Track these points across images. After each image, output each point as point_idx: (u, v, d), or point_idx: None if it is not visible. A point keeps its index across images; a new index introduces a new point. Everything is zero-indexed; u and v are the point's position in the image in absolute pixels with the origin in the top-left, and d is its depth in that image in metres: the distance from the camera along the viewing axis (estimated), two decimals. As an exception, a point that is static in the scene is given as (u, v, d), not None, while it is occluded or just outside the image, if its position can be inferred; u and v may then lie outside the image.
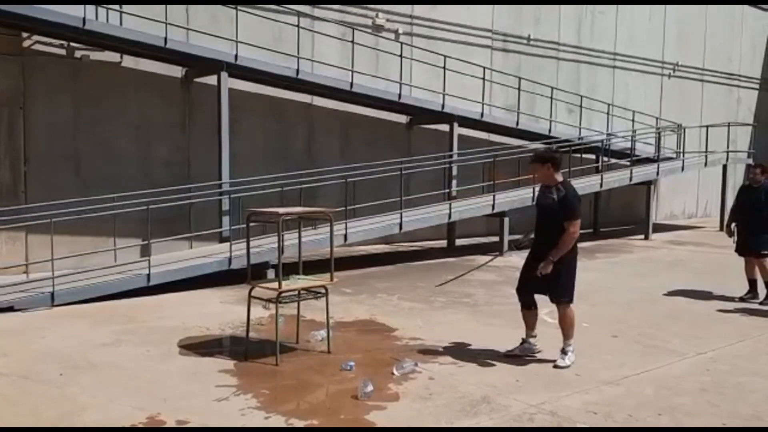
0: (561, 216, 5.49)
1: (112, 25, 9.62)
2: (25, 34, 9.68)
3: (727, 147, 17.95)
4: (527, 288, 5.82)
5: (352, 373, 5.31)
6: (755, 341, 6.58)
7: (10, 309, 7.29)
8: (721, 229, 15.30)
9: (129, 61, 10.50)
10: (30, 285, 8.00)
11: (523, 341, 5.91)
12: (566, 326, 5.71)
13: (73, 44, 10.02)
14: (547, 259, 5.46)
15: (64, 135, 10.07)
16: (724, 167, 17.81)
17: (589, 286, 9.35)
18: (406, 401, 4.75)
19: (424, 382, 5.15)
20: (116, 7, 9.80)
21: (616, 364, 5.66)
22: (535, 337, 5.92)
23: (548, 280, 5.52)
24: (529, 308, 5.90)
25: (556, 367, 5.54)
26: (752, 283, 8.57)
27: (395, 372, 5.30)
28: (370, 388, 4.78)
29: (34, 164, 9.83)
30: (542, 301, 6.86)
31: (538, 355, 5.86)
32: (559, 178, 5.64)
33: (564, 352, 5.67)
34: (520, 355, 5.81)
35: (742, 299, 8.46)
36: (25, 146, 9.77)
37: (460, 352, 5.96)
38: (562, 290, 5.61)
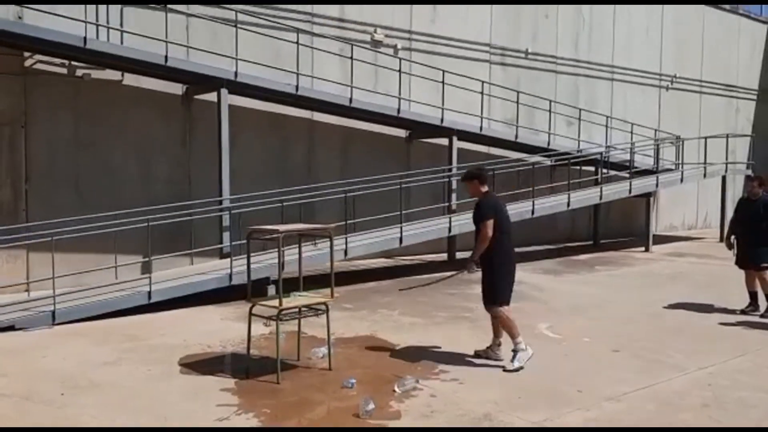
0: (478, 221, 6.09)
1: (112, 44, 9.70)
2: (26, 54, 9.74)
3: (726, 158, 18.00)
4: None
5: (353, 391, 5.31)
6: (756, 355, 6.57)
7: (11, 328, 7.28)
8: (721, 240, 15.32)
9: (130, 79, 10.56)
10: (31, 304, 8.01)
11: (488, 347, 6.27)
12: (505, 328, 6.08)
13: (74, 63, 10.09)
14: (468, 262, 6.07)
15: (65, 153, 10.12)
16: (724, 178, 17.84)
17: (590, 300, 9.37)
18: (408, 419, 4.74)
19: (426, 399, 5.15)
20: (117, 26, 9.88)
21: (617, 380, 5.65)
22: (499, 345, 6.22)
23: (483, 289, 6.09)
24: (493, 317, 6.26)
25: (505, 370, 5.85)
26: (753, 295, 8.57)
27: (397, 389, 5.29)
28: (371, 405, 4.78)
29: (35, 182, 9.87)
30: (541, 316, 6.87)
31: (541, 372, 5.85)
32: (484, 190, 6.20)
33: (514, 351, 5.97)
34: (483, 357, 6.20)
35: (743, 312, 8.46)
36: (26, 164, 9.81)
37: (461, 368, 5.96)
38: (487, 296, 6.08)
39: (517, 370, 5.83)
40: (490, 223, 5.95)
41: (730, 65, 21.45)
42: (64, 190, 10.05)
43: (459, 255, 13.52)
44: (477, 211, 6.12)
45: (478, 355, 6.27)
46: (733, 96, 21.69)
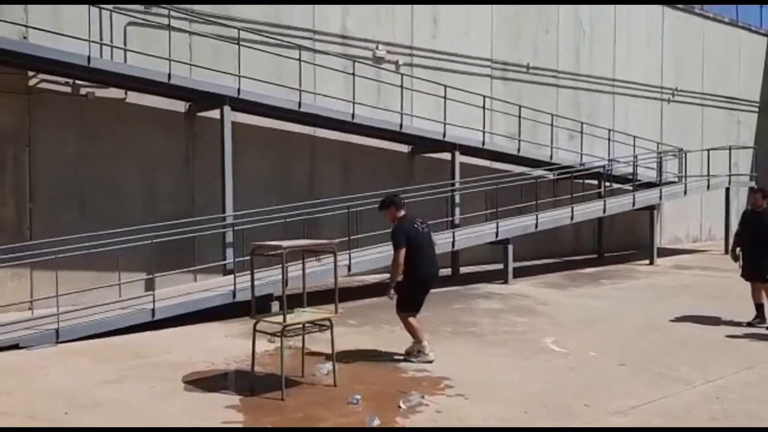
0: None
1: (116, 62, 9.77)
2: (31, 73, 9.81)
3: (729, 170, 18.00)
4: None
5: (358, 407, 5.28)
6: (764, 368, 6.51)
7: (15, 346, 7.26)
8: (726, 252, 15.32)
9: (133, 97, 10.62)
10: (35, 322, 7.98)
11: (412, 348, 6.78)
12: (412, 333, 6.70)
13: (78, 82, 10.15)
14: (387, 288, 6.65)
15: (69, 171, 10.15)
16: (727, 190, 17.82)
17: (595, 314, 9.32)
18: (414, 435, 4.71)
19: (432, 415, 5.11)
20: (120, 44, 9.95)
21: (624, 394, 5.61)
22: (425, 347, 6.72)
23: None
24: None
25: (405, 359, 6.62)
26: (759, 307, 8.51)
27: (402, 405, 5.26)
28: (376, 422, 4.75)
29: (40, 201, 9.89)
30: (547, 330, 6.85)
31: (547, 386, 5.81)
32: (400, 215, 6.75)
33: (419, 351, 6.63)
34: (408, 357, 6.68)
35: (749, 324, 8.40)
36: (30, 183, 9.84)
37: (467, 383, 5.92)
38: (399, 304, 6.69)
39: (410, 361, 6.55)
40: (402, 250, 6.47)
41: (731, 78, 21.50)
42: (68, 209, 10.07)
43: (463, 270, 13.52)
44: (391, 237, 6.64)
45: (408, 353, 6.73)
46: (734, 108, 21.72)
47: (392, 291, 6.60)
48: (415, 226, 6.71)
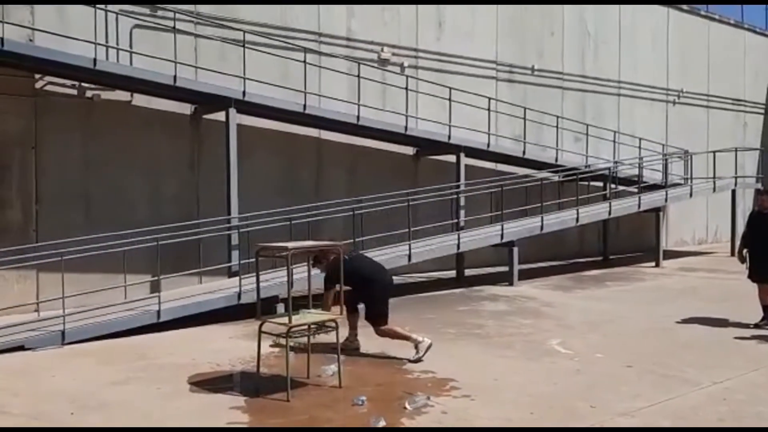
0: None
1: (122, 65, 9.80)
2: (37, 76, 9.85)
3: (735, 172, 17.94)
4: None
5: (363, 408, 5.26)
6: (772, 369, 6.48)
7: (21, 348, 7.28)
8: (733, 254, 15.26)
9: (139, 100, 10.66)
10: (41, 323, 8.00)
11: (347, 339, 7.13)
12: (398, 338, 6.95)
13: (84, 84, 10.19)
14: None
15: (74, 174, 10.18)
16: (733, 192, 17.76)
17: (601, 316, 9.29)
18: (419, 436, 4.69)
19: (437, 416, 5.09)
20: (126, 47, 9.98)
21: (630, 396, 5.58)
22: (355, 336, 7.21)
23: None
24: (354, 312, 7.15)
25: (410, 361, 6.64)
26: (766, 309, 8.46)
27: (407, 406, 5.24)
28: (382, 423, 4.73)
29: (46, 203, 9.93)
30: (553, 332, 6.82)
31: (554, 388, 5.79)
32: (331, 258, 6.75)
33: (415, 349, 6.75)
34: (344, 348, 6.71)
35: (756, 326, 8.35)
36: (36, 185, 9.88)
37: (472, 384, 5.90)
38: (373, 318, 6.98)
39: (418, 360, 6.61)
40: (330, 293, 6.71)
41: (737, 79, 21.44)
42: (73, 211, 10.10)
43: (467, 272, 13.50)
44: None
45: (343, 348, 6.66)
46: (740, 110, 21.65)
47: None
48: (354, 263, 6.92)
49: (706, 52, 20.41)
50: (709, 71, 20.54)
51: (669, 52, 19.33)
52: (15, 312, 8.73)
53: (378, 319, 6.92)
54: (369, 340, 7.76)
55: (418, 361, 6.59)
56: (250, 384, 5.93)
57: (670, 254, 16.79)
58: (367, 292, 6.93)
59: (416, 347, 6.71)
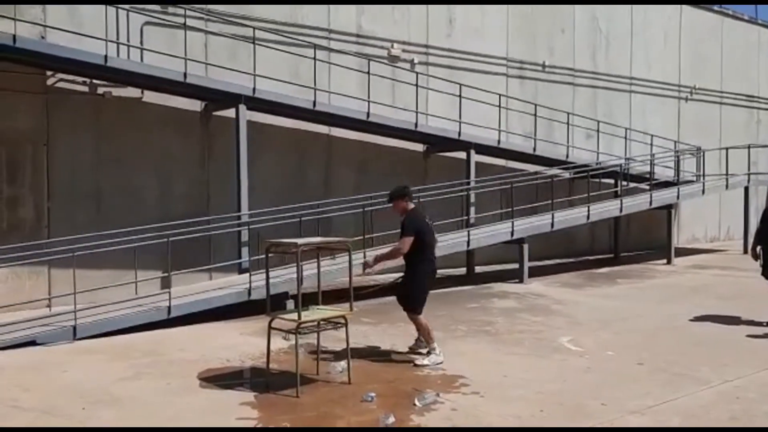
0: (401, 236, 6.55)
1: (133, 61, 9.84)
2: (49, 72, 9.91)
3: (748, 169, 17.78)
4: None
5: (373, 405, 5.26)
6: (785, 368, 6.42)
7: (33, 343, 7.33)
8: (746, 252, 15.13)
9: (150, 96, 10.70)
10: (52, 319, 8.06)
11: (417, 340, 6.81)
12: (422, 334, 6.59)
13: (95, 81, 10.24)
14: (373, 260, 6.70)
15: (86, 170, 10.24)
16: (746, 190, 17.60)
17: (612, 313, 9.24)
18: (428, 433, 4.68)
19: (447, 413, 5.08)
20: (137, 43, 10.02)
21: (641, 393, 5.54)
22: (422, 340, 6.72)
23: (403, 291, 6.71)
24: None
25: (414, 365, 6.36)
26: (779, 307, 8.39)
27: (417, 403, 5.24)
28: (391, 419, 4.73)
29: (57, 200, 9.99)
30: (563, 329, 6.79)
31: (564, 385, 5.77)
32: (410, 207, 6.68)
33: (429, 352, 6.48)
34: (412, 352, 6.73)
35: (769, 324, 8.29)
36: (48, 182, 9.94)
37: (482, 382, 5.88)
38: (411, 302, 6.60)
39: (425, 365, 6.31)
40: (409, 240, 6.42)
41: (750, 76, 21.24)
42: (85, 208, 10.16)
43: (478, 269, 13.47)
44: (401, 228, 6.56)
45: (411, 350, 6.77)
46: (754, 107, 21.45)
47: (370, 266, 6.70)
48: (427, 221, 6.68)
49: (720, 48, 20.23)
50: (722, 68, 20.36)
51: (681, 48, 19.17)
52: (27, 307, 8.81)
53: (418, 300, 6.59)
54: (377, 335, 7.77)
55: (421, 366, 6.34)
56: (259, 380, 5.94)
57: (682, 252, 16.68)
58: (421, 267, 6.55)
59: (428, 352, 6.50)
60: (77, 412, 5.16)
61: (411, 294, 6.60)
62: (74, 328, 7.61)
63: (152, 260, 9.62)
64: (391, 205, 6.77)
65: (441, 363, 6.36)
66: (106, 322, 7.90)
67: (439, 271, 6.93)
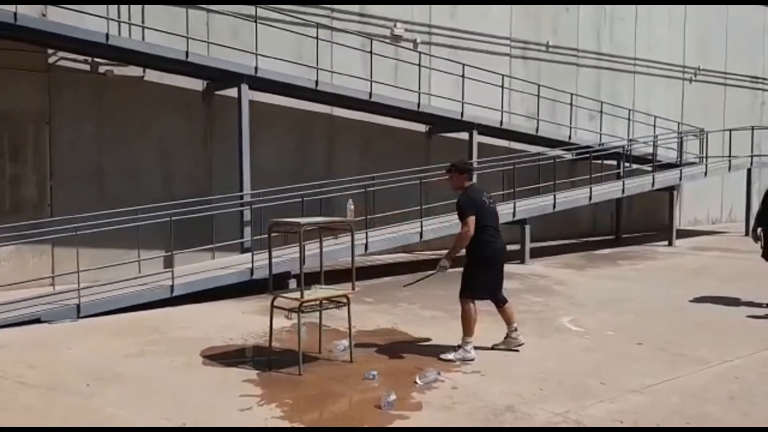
0: (459, 218, 6.07)
1: (134, 40, 9.78)
2: (50, 51, 9.86)
3: (752, 151, 17.74)
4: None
5: (374, 383, 5.31)
6: (784, 348, 6.46)
7: (37, 321, 7.39)
8: (747, 234, 15.14)
9: (152, 75, 10.66)
10: (56, 297, 8.11)
11: (506, 336, 6.27)
12: (464, 322, 6.04)
13: (97, 60, 10.20)
14: (444, 256, 6.02)
15: (88, 149, 10.24)
16: (749, 171, 17.57)
17: (613, 294, 9.28)
18: (429, 411, 4.73)
19: (448, 391, 5.13)
20: (139, 22, 9.96)
21: (641, 373, 5.59)
22: (515, 330, 6.25)
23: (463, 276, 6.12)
24: (498, 307, 6.27)
25: (439, 358, 5.93)
26: (780, 289, 8.42)
27: (418, 381, 5.28)
28: (393, 397, 4.77)
29: (60, 179, 9.99)
30: (564, 310, 6.83)
31: (564, 365, 5.82)
32: (467, 184, 6.20)
33: (459, 346, 5.99)
34: (504, 349, 6.20)
35: (769, 305, 8.32)
36: (50, 161, 9.94)
37: (483, 361, 5.92)
38: (463, 286, 6.09)
39: (450, 360, 5.89)
40: (472, 219, 5.91)
41: (755, 57, 21.08)
42: (87, 186, 10.17)
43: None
44: (458, 208, 6.07)
45: (499, 349, 6.26)
46: (758, 88, 21.32)
47: (447, 263, 5.93)
48: (484, 198, 6.13)
49: (725, 28, 20.06)
50: (727, 49, 20.20)
51: (686, 28, 19.02)
52: (31, 286, 8.86)
53: (473, 284, 6.06)
54: (378, 314, 7.81)
55: (446, 360, 5.89)
56: (262, 358, 5.99)
57: (684, 233, 16.69)
58: (475, 249, 6.03)
59: (458, 346, 6.00)
60: (82, 388, 5.22)
61: (463, 278, 6.08)
62: (78, 306, 7.66)
63: (155, 239, 9.64)
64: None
65: (472, 360, 5.88)
66: (109, 300, 7.95)
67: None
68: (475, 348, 6.03)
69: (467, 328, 6.01)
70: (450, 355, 5.95)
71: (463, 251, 6.10)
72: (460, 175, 6.18)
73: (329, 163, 12.66)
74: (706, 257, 13.27)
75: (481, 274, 6.07)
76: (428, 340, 6.68)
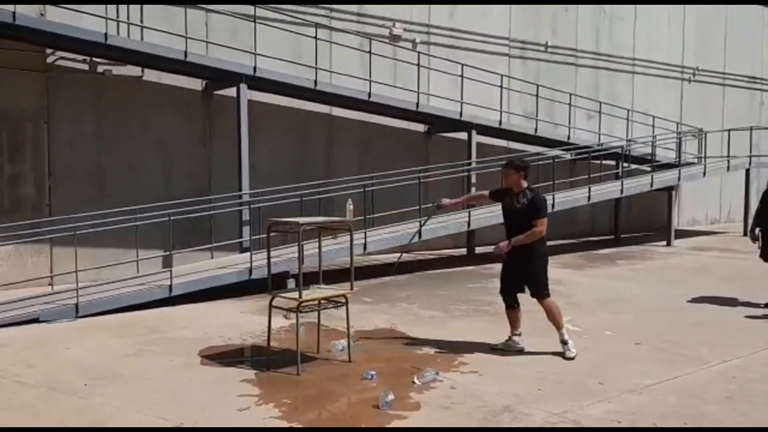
0: (530, 217, 6.09)
1: (133, 40, 9.77)
2: (49, 50, 9.86)
3: (750, 151, 17.74)
4: (509, 289, 6.35)
5: (373, 383, 5.31)
6: (782, 348, 6.47)
7: (36, 321, 7.39)
8: (745, 234, 15.16)
9: (150, 75, 10.65)
10: (54, 297, 8.11)
11: (509, 338, 6.30)
12: (553, 318, 6.13)
13: (95, 59, 10.19)
14: (508, 242, 6.07)
15: (87, 148, 10.23)
16: (747, 172, 17.58)
17: (612, 294, 9.29)
18: (427, 410, 4.73)
19: (446, 391, 5.13)
20: (137, 21, 9.96)
21: (639, 373, 5.59)
22: (519, 335, 6.30)
23: (525, 277, 6.17)
24: (512, 308, 6.34)
25: (566, 359, 5.95)
26: (778, 289, 8.43)
27: (416, 381, 5.29)
28: (391, 397, 4.77)
29: (59, 178, 9.99)
30: (562, 309, 6.83)
31: (562, 364, 5.83)
32: (524, 185, 6.29)
33: (564, 342, 6.08)
34: (504, 350, 6.23)
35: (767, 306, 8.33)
36: (49, 160, 9.93)
37: (481, 360, 5.93)
38: (541, 285, 6.13)
39: (574, 355, 5.98)
40: (545, 222, 6.10)
41: (754, 57, 21.10)
42: (86, 186, 10.16)
43: (478, 249, 13.48)
44: (530, 206, 6.14)
45: (498, 349, 6.28)
46: (757, 89, 21.34)
47: (505, 248, 6.05)
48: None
49: (723, 29, 20.08)
50: (726, 49, 20.22)
51: (685, 28, 19.03)
52: (30, 285, 8.85)
53: (546, 284, 6.17)
54: (377, 314, 7.82)
55: (571, 358, 5.96)
56: (260, 358, 6.00)
57: (682, 234, 16.70)
58: (539, 249, 6.15)
59: (566, 341, 6.09)
60: (80, 387, 5.22)
61: (537, 278, 6.12)
62: (77, 305, 7.66)
63: (154, 239, 9.65)
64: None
65: (521, 350, 6.15)
66: (108, 299, 7.95)
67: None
68: (475, 348, 6.03)
69: (561, 320, 6.16)
70: (572, 351, 6.01)
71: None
72: (517, 173, 6.27)
73: (328, 162, 12.66)
74: (705, 257, 13.28)
75: (546, 270, 6.25)
76: (427, 339, 6.68)
